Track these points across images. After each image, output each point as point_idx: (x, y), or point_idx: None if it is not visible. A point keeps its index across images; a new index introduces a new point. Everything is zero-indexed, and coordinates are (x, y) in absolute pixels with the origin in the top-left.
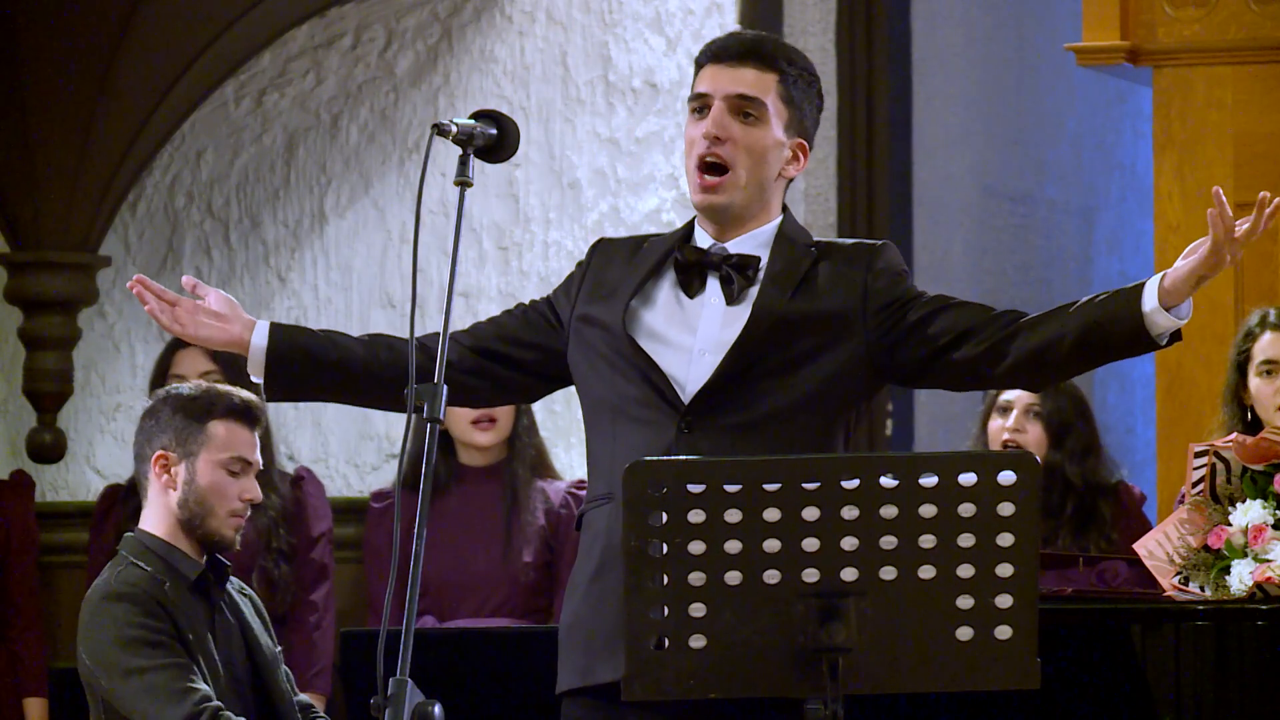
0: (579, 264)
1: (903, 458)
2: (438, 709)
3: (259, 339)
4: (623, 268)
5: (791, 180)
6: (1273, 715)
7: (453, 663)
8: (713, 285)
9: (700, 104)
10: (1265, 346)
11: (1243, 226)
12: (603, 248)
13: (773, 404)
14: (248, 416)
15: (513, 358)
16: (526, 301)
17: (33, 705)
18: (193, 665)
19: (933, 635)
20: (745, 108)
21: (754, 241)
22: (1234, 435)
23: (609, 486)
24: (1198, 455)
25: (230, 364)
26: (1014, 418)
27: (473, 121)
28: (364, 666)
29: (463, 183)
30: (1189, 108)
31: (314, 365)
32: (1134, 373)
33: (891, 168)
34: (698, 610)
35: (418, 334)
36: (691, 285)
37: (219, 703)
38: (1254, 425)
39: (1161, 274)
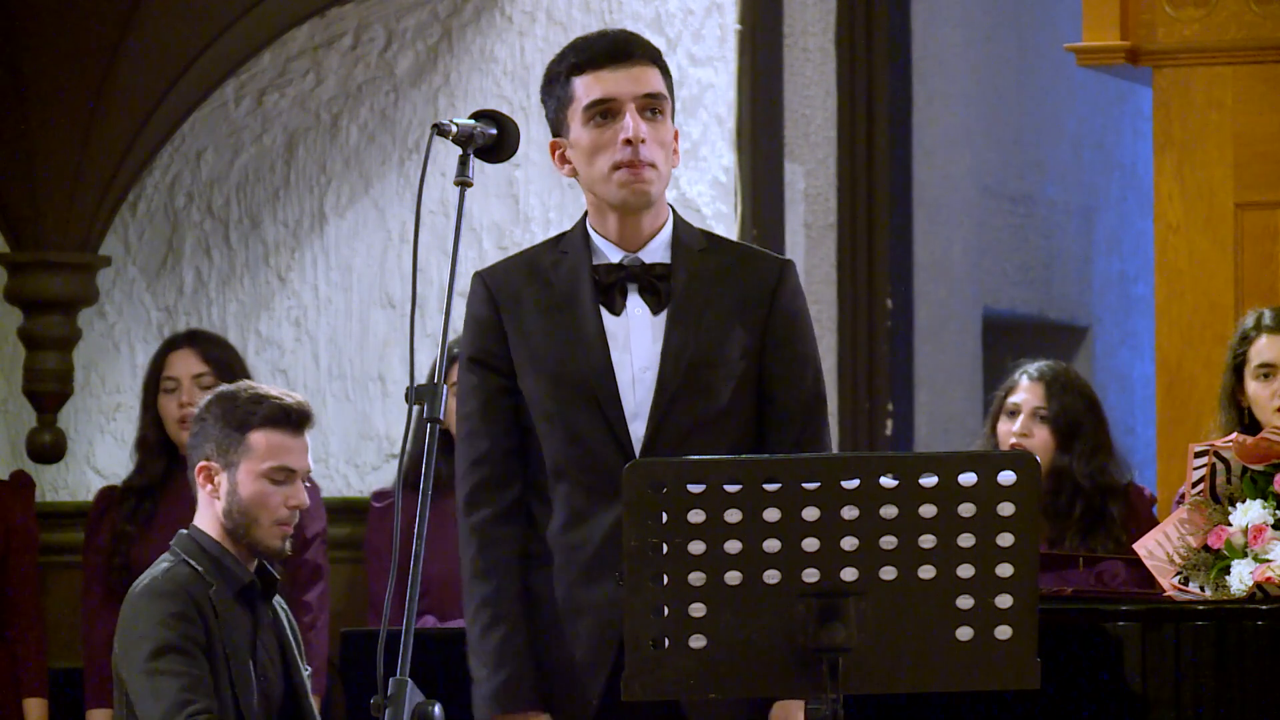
0: (474, 303)
1: (903, 458)
2: (438, 709)
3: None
4: (535, 296)
5: (674, 167)
6: (1273, 715)
7: (453, 663)
8: (634, 298)
9: (605, 109)
10: (1261, 349)
11: None
12: (494, 280)
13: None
14: (289, 422)
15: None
16: (479, 402)
17: (33, 705)
18: (209, 678)
19: (933, 635)
20: (651, 105)
21: (660, 248)
22: (1234, 435)
23: (550, 549)
24: (1198, 455)
25: (222, 364)
26: (1021, 421)
27: (473, 121)
28: (364, 666)
29: (463, 183)
30: (1189, 108)
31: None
32: (1134, 373)
33: (891, 168)
34: (698, 610)
35: (418, 334)
36: (614, 303)
37: (212, 713)
38: (1252, 427)
39: None
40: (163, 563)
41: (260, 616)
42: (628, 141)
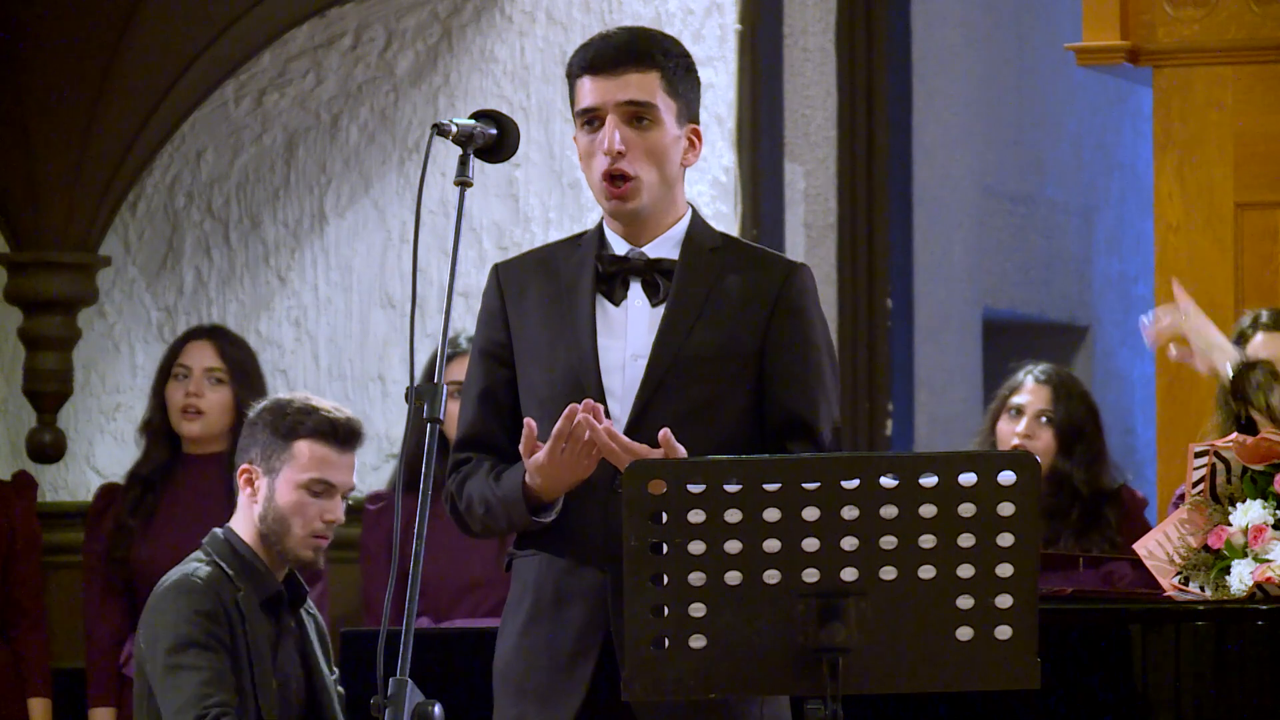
0: (486, 294)
1: (903, 458)
2: (438, 709)
3: None
4: (540, 287)
5: (690, 165)
6: (1273, 715)
7: (453, 663)
8: (635, 289)
9: (591, 117)
10: (1257, 347)
11: None
12: (506, 272)
13: (697, 453)
14: (335, 436)
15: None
16: (479, 388)
17: (36, 705)
18: (230, 674)
19: (933, 635)
20: (637, 113)
21: (669, 244)
22: (1234, 435)
23: (537, 538)
24: (1198, 455)
25: (237, 363)
26: (1025, 423)
27: (473, 121)
28: (364, 666)
29: (463, 183)
30: (1189, 108)
31: None
32: (1134, 373)
33: (891, 168)
34: (698, 610)
35: (417, 334)
36: (615, 293)
37: (231, 709)
38: (1248, 427)
39: None
40: (192, 561)
41: (284, 625)
42: (605, 153)
